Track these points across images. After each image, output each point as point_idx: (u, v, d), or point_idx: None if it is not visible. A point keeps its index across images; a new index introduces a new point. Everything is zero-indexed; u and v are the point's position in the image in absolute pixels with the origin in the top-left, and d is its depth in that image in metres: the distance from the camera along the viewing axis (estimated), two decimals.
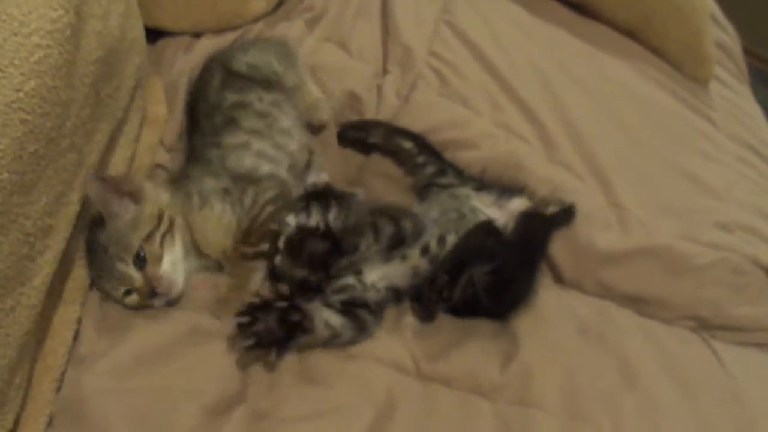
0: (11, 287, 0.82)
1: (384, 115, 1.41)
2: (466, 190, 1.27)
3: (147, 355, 0.99)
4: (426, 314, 1.14)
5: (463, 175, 1.32)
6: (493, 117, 1.48)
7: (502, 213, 1.23)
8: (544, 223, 1.23)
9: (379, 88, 1.46)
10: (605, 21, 1.94)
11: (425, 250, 1.16)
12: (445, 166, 1.31)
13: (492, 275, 1.11)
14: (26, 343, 0.87)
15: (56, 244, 0.92)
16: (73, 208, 0.97)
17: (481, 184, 1.30)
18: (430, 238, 1.17)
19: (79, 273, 1.04)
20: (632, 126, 1.65)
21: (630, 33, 1.94)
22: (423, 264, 1.15)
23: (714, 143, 1.77)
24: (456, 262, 1.12)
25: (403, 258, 1.15)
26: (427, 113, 1.43)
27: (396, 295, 1.14)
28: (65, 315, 1.01)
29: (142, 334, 1.02)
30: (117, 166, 1.16)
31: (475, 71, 1.58)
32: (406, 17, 1.60)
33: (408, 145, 1.34)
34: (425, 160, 1.32)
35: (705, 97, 1.92)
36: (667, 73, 1.93)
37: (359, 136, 1.37)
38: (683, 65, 1.96)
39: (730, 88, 2.09)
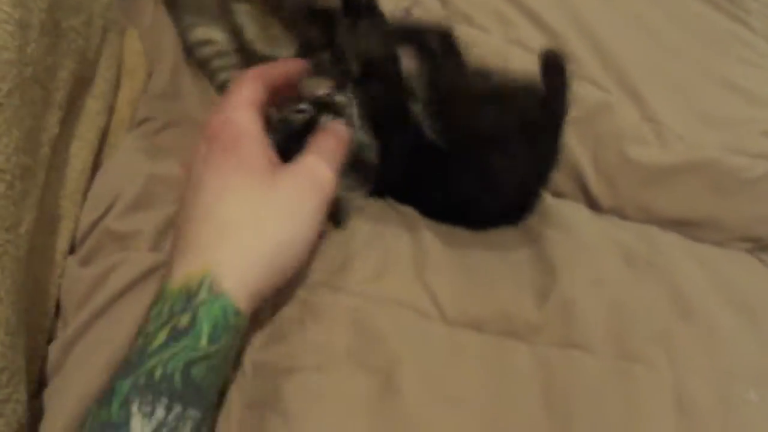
0: None
1: None
2: None
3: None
4: None
5: None
6: (504, 34, 1.35)
7: None
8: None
9: None
10: None
11: None
12: None
13: None
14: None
15: (34, 188, 0.86)
16: (44, 151, 0.89)
17: None
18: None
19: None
20: (660, 33, 1.52)
21: None
22: None
23: (753, 48, 1.62)
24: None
25: None
26: None
27: None
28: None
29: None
30: (91, 116, 1.08)
31: None
32: None
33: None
34: None
35: (738, 0, 1.72)
36: None
37: None
38: None
39: None
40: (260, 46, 1.11)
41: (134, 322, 0.82)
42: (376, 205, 1.07)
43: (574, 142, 1.22)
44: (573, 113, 1.18)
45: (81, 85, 1.03)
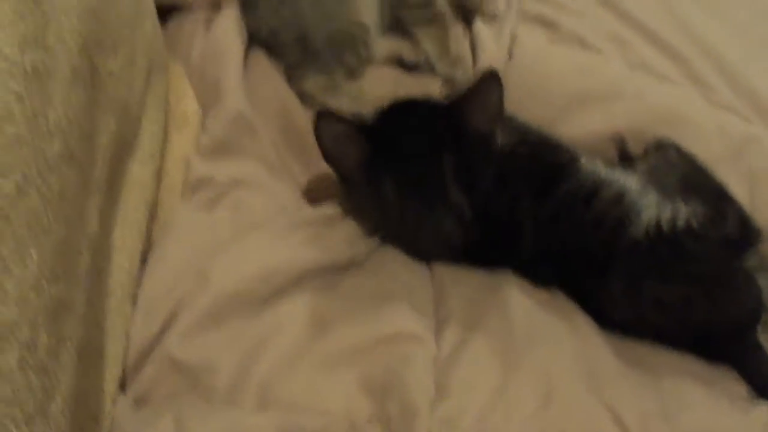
0: None
1: None
2: None
3: None
4: None
5: None
6: (625, 57, 1.07)
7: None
8: None
9: (473, 43, 1.08)
10: None
11: None
12: None
13: None
14: None
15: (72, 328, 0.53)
16: (83, 262, 0.57)
17: None
18: None
19: None
20: None
21: None
22: None
23: None
24: None
25: None
26: (542, 66, 1.03)
27: None
28: None
29: None
30: (137, 188, 0.75)
31: (585, 4, 1.15)
32: None
33: None
34: None
35: None
36: None
37: None
38: None
39: None
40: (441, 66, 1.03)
41: None
42: (523, 294, 0.77)
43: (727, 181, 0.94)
44: (721, 149, 0.94)
45: (123, 148, 0.70)
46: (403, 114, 0.80)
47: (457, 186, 0.74)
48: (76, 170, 0.54)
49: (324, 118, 0.74)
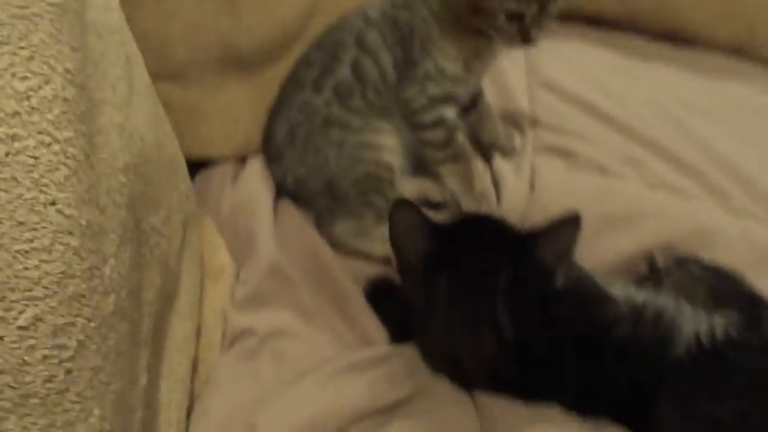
0: None
1: (511, 206, 1.03)
2: None
3: None
4: None
5: None
6: (644, 177, 1.09)
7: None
8: None
9: (494, 178, 1.09)
10: (701, 44, 1.49)
11: None
12: None
13: None
14: None
15: None
16: (136, 418, 0.57)
17: None
18: None
19: None
20: None
21: (733, 50, 1.50)
22: None
23: None
24: None
25: None
26: (564, 195, 1.03)
27: None
28: None
29: None
30: (179, 342, 0.75)
31: (597, 130, 1.18)
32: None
33: None
34: None
35: None
36: None
37: None
38: None
39: None
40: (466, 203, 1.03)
41: None
42: None
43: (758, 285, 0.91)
44: (747, 254, 0.95)
45: (165, 303, 0.71)
46: (476, 225, 0.81)
47: (505, 305, 0.73)
48: (128, 326, 0.54)
49: (401, 205, 0.76)
